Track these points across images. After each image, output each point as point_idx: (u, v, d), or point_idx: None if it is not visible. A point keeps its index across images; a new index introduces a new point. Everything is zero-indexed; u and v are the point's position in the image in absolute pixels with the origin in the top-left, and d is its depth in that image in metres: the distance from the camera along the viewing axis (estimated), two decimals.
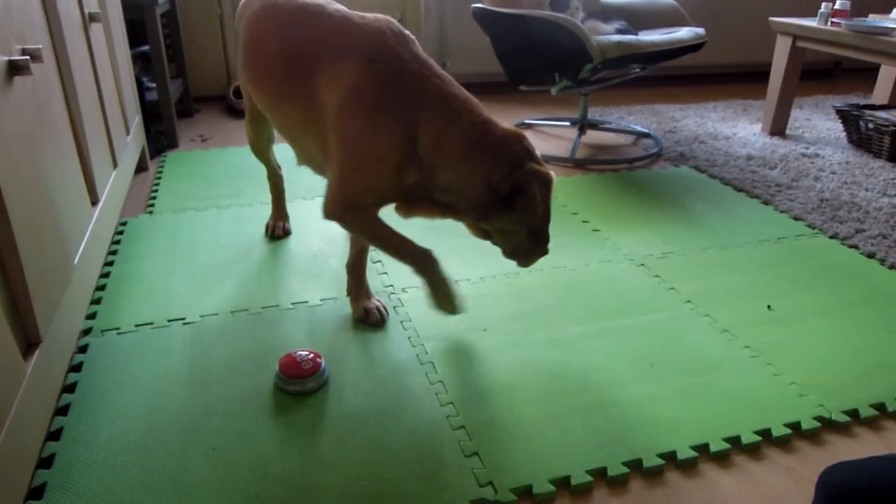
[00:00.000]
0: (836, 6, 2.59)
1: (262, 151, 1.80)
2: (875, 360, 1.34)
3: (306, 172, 2.32)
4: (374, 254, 1.74)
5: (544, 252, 1.28)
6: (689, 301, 1.54)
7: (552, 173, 1.21)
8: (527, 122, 3.01)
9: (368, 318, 1.43)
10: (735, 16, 3.81)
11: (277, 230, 1.84)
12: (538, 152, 1.22)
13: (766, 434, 1.14)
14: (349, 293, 1.48)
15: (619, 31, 2.48)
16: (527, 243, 1.25)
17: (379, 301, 1.48)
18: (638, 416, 1.17)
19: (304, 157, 1.43)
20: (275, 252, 1.75)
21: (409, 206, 1.26)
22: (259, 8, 1.41)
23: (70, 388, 1.22)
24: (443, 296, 1.28)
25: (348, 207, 1.23)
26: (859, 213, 2.02)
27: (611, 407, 1.19)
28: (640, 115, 3.16)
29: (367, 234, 1.27)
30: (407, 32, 1.25)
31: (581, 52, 2.18)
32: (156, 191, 2.15)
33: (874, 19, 2.62)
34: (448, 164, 1.17)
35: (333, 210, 1.24)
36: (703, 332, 1.43)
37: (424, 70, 1.19)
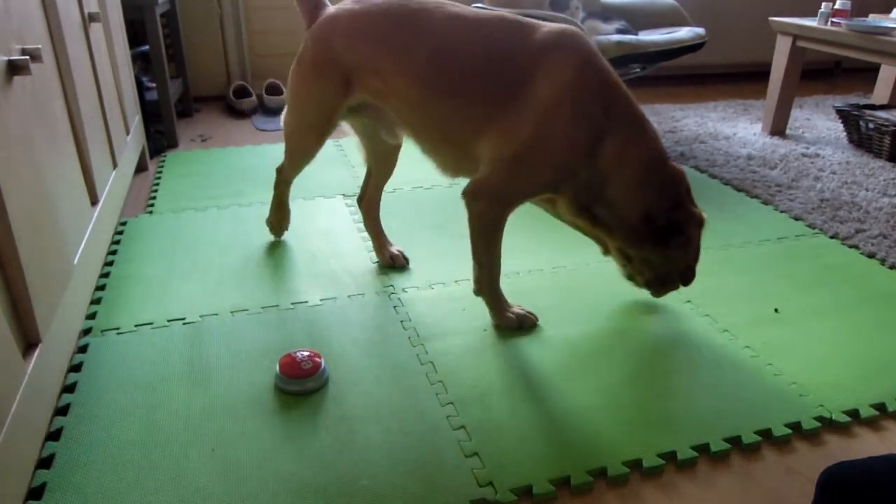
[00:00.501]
0: (837, 6, 2.59)
1: (299, 169, 1.68)
2: (876, 360, 1.34)
3: (305, 173, 2.32)
4: (374, 253, 1.74)
5: (684, 285, 1.39)
6: (688, 301, 1.54)
7: (705, 216, 1.32)
8: None
9: (395, 263, 1.65)
10: (735, 16, 3.81)
11: (278, 232, 1.81)
12: None
13: (766, 434, 1.14)
14: (374, 247, 1.70)
15: (620, 31, 2.48)
16: (667, 277, 1.36)
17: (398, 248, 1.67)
18: (638, 416, 1.17)
19: (447, 163, 1.42)
20: (275, 252, 1.75)
21: (565, 212, 1.35)
22: (377, 14, 1.36)
23: (70, 388, 1.22)
24: (497, 314, 1.42)
25: (499, 200, 1.30)
26: (860, 213, 2.02)
27: (611, 407, 1.19)
28: None
29: (491, 231, 1.34)
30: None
31: None
32: (156, 191, 2.15)
33: (874, 19, 2.62)
34: (620, 182, 1.24)
35: (480, 196, 1.29)
36: (703, 332, 1.43)
37: (620, 84, 1.26)
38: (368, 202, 1.72)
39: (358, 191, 1.71)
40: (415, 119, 1.37)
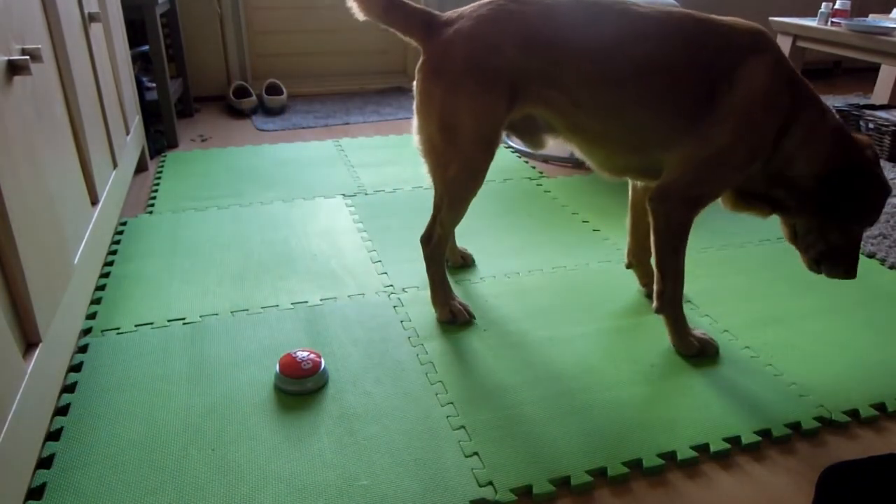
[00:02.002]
0: (837, 6, 2.59)
1: (465, 209, 1.39)
2: (875, 361, 1.34)
3: (305, 173, 2.32)
4: (374, 253, 1.74)
5: (850, 268, 1.30)
6: (688, 301, 1.54)
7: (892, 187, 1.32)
8: None
9: (457, 319, 1.44)
10: (735, 15, 3.80)
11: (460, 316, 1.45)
12: None
13: (766, 434, 1.14)
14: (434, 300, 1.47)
15: None
16: (841, 249, 1.28)
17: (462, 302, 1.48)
18: (638, 416, 1.17)
19: (617, 166, 1.35)
20: (275, 252, 1.75)
21: (737, 201, 1.32)
22: (560, 13, 1.24)
23: (70, 388, 1.22)
24: (677, 337, 1.34)
25: (688, 202, 1.26)
26: None
27: (611, 407, 1.19)
28: None
29: (679, 234, 1.29)
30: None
31: None
32: (156, 191, 2.15)
33: (874, 19, 2.62)
34: (804, 158, 1.23)
35: (668, 199, 1.26)
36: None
37: (801, 77, 1.26)
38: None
39: (358, 190, 1.70)
40: (596, 126, 1.27)
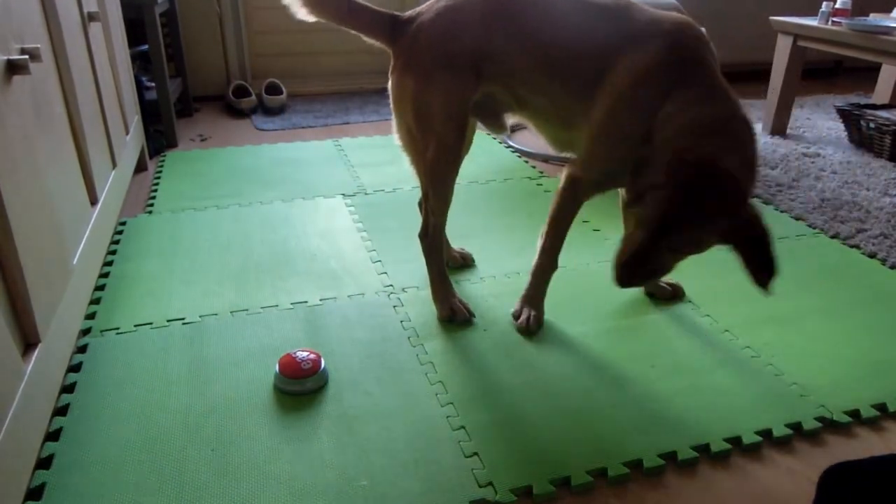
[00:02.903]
0: (837, 5, 2.59)
1: (451, 193, 1.43)
2: (876, 361, 1.33)
3: (305, 172, 2.32)
4: (374, 253, 1.74)
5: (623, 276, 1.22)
6: (689, 301, 1.54)
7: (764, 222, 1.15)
8: None
9: (456, 317, 1.45)
10: (735, 16, 3.80)
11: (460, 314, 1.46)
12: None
13: (766, 434, 1.14)
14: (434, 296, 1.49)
15: None
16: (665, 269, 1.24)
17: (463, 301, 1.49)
18: (638, 417, 1.17)
19: (559, 142, 1.43)
20: (275, 252, 1.74)
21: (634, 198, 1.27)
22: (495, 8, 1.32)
23: (69, 389, 1.21)
24: (530, 302, 1.43)
25: (576, 182, 1.33)
26: (860, 213, 2.02)
27: (611, 407, 1.19)
28: None
29: (562, 210, 1.37)
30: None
31: None
32: (155, 190, 2.15)
33: (875, 18, 2.62)
34: (661, 136, 1.19)
35: (566, 175, 1.34)
36: (703, 332, 1.42)
37: (706, 69, 1.23)
38: None
39: (358, 190, 1.70)
40: (537, 103, 1.35)
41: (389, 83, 1.39)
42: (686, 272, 1.67)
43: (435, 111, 1.33)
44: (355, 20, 1.37)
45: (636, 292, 1.57)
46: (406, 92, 1.35)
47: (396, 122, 1.42)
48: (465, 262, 1.70)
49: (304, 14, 1.36)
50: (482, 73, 1.33)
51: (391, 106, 1.40)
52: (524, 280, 1.62)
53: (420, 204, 1.53)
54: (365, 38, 1.40)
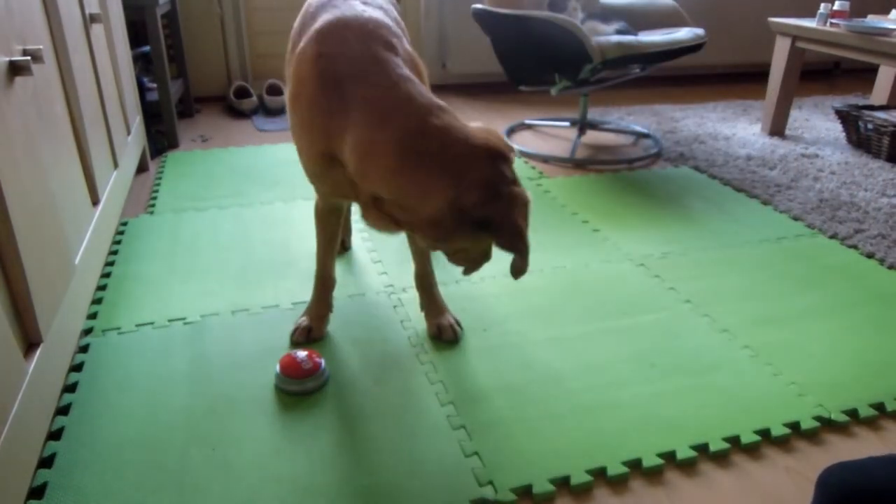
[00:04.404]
0: (835, 7, 2.60)
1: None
2: (874, 360, 1.34)
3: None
4: (375, 253, 1.75)
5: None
6: (688, 301, 1.55)
7: (528, 193, 1.02)
8: (527, 122, 3.02)
9: (442, 336, 1.38)
10: (735, 16, 3.81)
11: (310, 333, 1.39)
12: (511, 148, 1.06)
13: (765, 434, 1.14)
14: (422, 309, 1.42)
15: (619, 32, 2.48)
16: (484, 260, 1.11)
17: (453, 316, 1.42)
18: (638, 416, 1.17)
19: None
20: (275, 252, 1.75)
21: (365, 213, 1.10)
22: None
23: (71, 388, 1.22)
24: (304, 315, 1.39)
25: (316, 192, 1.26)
26: (858, 214, 2.03)
27: (611, 407, 1.20)
28: (639, 115, 3.16)
29: (317, 220, 1.32)
30: (381, 27, 1.10)
31: (581, 52, 2.18)
32: (156, 191, 2.15)
33: (873, 20, 2.63)
34: (380, 176, 0.99)
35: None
36: (702, 332, 1.43)
37: (377, 68, 1.03)
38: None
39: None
40: None
41: None
42: (686, 272, 1.68)
43: None
44: None
45: (636, 293, 1.58)
46: None
47: None
48: (441, 335, 1.39)
49: None
50: None
51: None
52: (524, 280, 1.63)
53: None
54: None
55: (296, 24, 1.28)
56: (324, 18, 1.11)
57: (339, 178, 1.10)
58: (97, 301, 1.50)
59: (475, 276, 1.64)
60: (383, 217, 1.05)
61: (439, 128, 0.98)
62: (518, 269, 1.04)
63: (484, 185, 0.97)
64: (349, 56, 1.04)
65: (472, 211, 0.97)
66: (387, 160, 0.98)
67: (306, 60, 1.07)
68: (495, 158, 0.99)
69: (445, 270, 1.66)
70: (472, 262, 1.11)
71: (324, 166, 1.11)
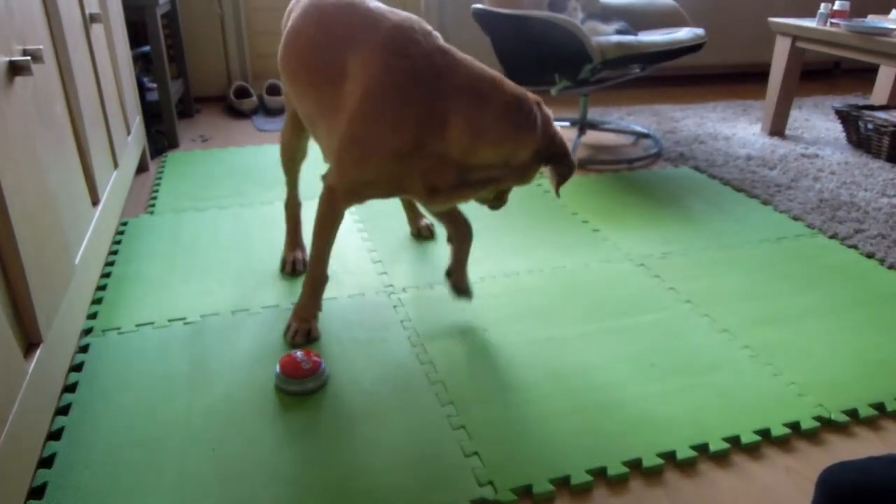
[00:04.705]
0: (835, 7, 2.60)
1: (294, 161, 1.66)
2: (874, 360, 1.34)
3: (305, 173, 2.32)
4: (375, 253, 1.75)
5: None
6: (688, 301, 1.55)
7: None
8: None
9: (421, 233, 1.84)
10: (735, 16, 3.81)
11: (297, 265, 1.66)
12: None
13: (765, 434, 1.14)
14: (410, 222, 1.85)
15: (619, 32, 2.48)
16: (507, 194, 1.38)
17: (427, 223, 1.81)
18: (638, 416, 1.17)
19: (323, 147, 1.43)
20: (275, 252, 1.75)
21: (431, 199, 1.26)
22: (307, 1, 1.40)
23: (71, 388, 1.22)
24: (297, 315, 1.39)
25: (332, 190, 1.31)
26: (858, 214, 2.03)
27: (611, 407, 1.20)
28: (639, 115, 3.16)
29: (333, 222, 1.35)
30: (430, 28, 1.27)
31: (581, 52, 2.18)
32: (156, 191, 2.15)
33: (873, 20, 2.63)
34: (494, 145, 1.20)
35: (335, 187, 1.30)
36: (702, 332, 1.43)
37: (448, 60, 1.21)
38: None
39: None
40: (301, 107, 1.41)
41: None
42: (686, 272, 1.68)
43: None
44: None
45: (636, 293, 1.58)
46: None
47: None
48: (421, 233, 1.85)
49: None
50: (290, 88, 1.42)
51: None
52: (524, 280, 1.63)
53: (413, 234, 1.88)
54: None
55: (305, 27, 1.34)
56: (383, 26, 1.23)
57: (406, 171, 1.23)
58: (97, 301, 1.50)
59: (475, 276, 1.64)
60: (450, 193, 1.24)
61: (517, 97, 1.21)
62: (566, 177, 1.29)
63: (548, 133, 1.24)
64: (424, 54, 1.20)
65: (546, 151, 1.24)
66: (500, 132, 1.19)
67: (387, 64, 1.20)
68: (541, 107, 1.24)
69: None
70: (505, 199, 1.38)
71: (394, 162, 1.21)
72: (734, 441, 1.13)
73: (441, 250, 1.78)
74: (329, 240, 1.37)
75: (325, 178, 1.33)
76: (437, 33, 1.27)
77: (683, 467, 1.08)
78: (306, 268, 1.44)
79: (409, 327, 1.43)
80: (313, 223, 1.34)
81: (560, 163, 1.27)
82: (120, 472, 1.03)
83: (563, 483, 1.04)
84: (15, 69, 1.00)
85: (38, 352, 0.98)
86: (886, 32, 2.30)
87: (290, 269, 1.65)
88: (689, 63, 3.60)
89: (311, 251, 1.37)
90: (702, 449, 1.11)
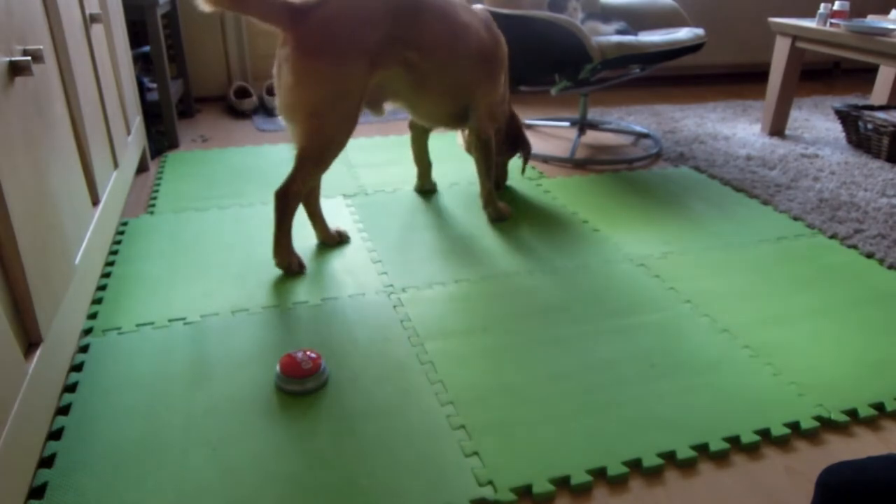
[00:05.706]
0: (835, 7, 2.60)
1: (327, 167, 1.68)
2: (874, 360, 1.34)
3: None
4: (374, 253, 1.75)
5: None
6: (688, 301, 1.55)
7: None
8: (527, 122, 3.02)
9: (291, 269, 1.67)
10: (735, 16, 3.81)
11: (301, 265, 1.66)
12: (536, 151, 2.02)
13: (765, 434, 1.14)
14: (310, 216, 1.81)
15: (619, 32, 2.48)
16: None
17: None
18: (638, 416, 1.17)
19: (434, 116, 1.87)
20: None
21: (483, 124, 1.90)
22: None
23: (71, 388, 1.22)
24: (490, 206, 1.99)
25: (491, 120, 1.90)
26: (858, 214, 2.03)
27: (611, 407, 1.20)
28: (639, 115, 3.16)
29: (492, 147, 1.92)
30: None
31: (581, 52, 2.18)
32: (156, 191, 2.15)
33: (873, 20, 2.63)
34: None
35: (490, 126, 1.89)
36: (702, 332, 1.43)
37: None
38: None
39: (358, 190, 1.73)
40: (435, 80, 1.71)
41: (288, 62, 1.49)
42: (686, 272, 1.68)
43: (347, 93, 1.53)
44: (252, 8, 1.47)
45: (636, 293, 1.58)
46: (320, 75, 1.50)
47: (297, 98, 1.51)
48: (341, 240, 1.82)
49: (203, 4, 1.41)
50: (384, 57, 1.57)
51: (291, 83, 1.50)
52: (524, 280, 1.63)
53: (417, 190, 2.15)
54: (260, 24, 1.50)
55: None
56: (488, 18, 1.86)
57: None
58: (97, 301, 1.50)
59: (475, 275, 1.65)
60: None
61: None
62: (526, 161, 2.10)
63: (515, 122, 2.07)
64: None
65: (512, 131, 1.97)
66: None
67: (503, 43, 1.90)
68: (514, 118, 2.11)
69: (446, 273, 1.66)
70: (505, 214, 2.00)
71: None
72: (734, 441, 1.13)
73: (441, 250, 1.78)
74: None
75: (477, 135, 1.86)
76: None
77: (683, 467, 1.08)
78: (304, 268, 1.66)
79: (409, 327, 1.43)
80: (483, 160, 1.90)
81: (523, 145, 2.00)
82: (120, 472, 1.03)
83: (563, 483, 1.04)
84: (15, 69, 1.00)
85: (38, 352, 0.98)
86: (886, 32, 2.30)
87: (297, 268, 1.66)
88: (689, 63, 3.60)
89: (488, 171, 1.91)
90: (702, 449, 1.11)
